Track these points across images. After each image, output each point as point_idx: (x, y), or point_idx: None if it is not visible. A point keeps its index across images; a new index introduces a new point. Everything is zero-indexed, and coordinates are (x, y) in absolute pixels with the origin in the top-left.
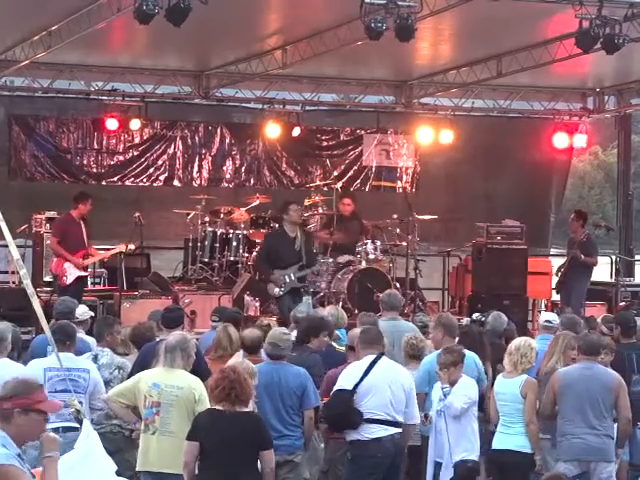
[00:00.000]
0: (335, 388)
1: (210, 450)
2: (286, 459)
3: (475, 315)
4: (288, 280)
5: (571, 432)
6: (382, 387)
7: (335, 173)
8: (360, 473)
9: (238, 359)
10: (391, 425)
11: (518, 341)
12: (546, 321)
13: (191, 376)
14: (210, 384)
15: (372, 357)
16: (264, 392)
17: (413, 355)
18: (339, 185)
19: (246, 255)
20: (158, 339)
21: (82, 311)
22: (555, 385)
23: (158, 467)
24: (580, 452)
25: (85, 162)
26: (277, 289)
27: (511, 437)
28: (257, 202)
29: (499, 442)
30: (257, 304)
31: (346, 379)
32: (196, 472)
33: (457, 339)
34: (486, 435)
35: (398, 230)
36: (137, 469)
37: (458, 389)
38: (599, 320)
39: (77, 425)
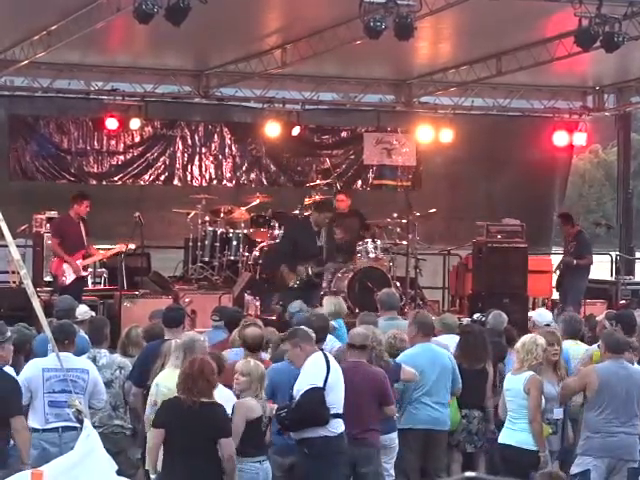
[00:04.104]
0: (307, 387)
1: (171, 438)
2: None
3: (476, 315)
4: (305, 275)
5: (608, 430)
6: (339, 382)
7: (335, 172)
8: (326, 468)
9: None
10: (343, 419)
11: (524, 338)
12: (546, 325)
13: None
14: (179, 375)
15: (320, 353)
16: (278, 392)
17: (392, 354)
18: (338, 184)
19: (246, 254)
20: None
21: (83, 311)
22: (591, 382)
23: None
24: (614, 450)
25: (85, 162)
26: (292, 281)
27: (514, 433)
28: (257, 201)
29: (503, 437)
30: (257, 303)
31: (315, 376)
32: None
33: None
34: (487, 434)
35: (398, 229)
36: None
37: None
38: (602, 317)
39: (77, 425)
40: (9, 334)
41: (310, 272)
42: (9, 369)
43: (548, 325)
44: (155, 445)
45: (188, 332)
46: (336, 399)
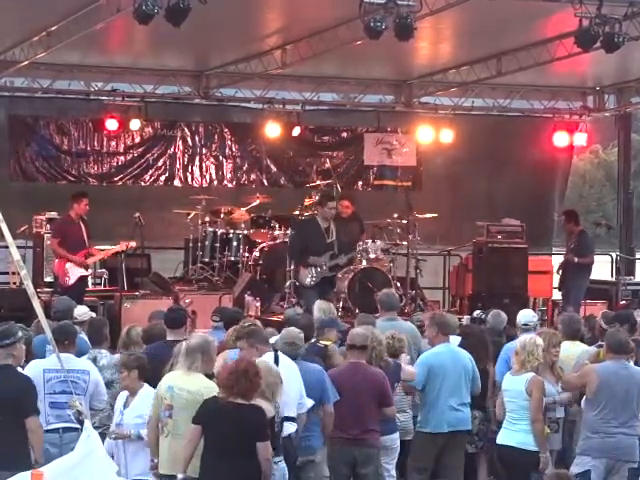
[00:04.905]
0: None
1: (209, 436)
2: (307, 459)
3: (476, 312)
4: (320, 269)
5: (606, 431)
6: (289, 384)
7: (336, 172)
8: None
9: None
10: (294, 421)
11: (524, 339)
12: (524, 324)
13: (205, 381)
14: (222, 372)
15: (272, 354)
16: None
17: (391, 355)
18: (338, 184)
19: (246, 255)
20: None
21: (82, 312)
22: (591, 381)
23: (170, 470)
24: (612, 450)
25: (85, 162)
26: (309, 278)
27: (514, 434)
28: (257, 202)
29: (502, 438)
30: (258, 304)
31: None
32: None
33: (459, 337)
34: (488, 435)
35: (399, 230)
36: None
37: (135, 403)
38: (599, 317)
39: (78, 426)
40: (20, 334)
41: (325, 267)
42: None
43: (526, 325)
44: (189, 441)
45: (199, 333)
46: (284, 402)
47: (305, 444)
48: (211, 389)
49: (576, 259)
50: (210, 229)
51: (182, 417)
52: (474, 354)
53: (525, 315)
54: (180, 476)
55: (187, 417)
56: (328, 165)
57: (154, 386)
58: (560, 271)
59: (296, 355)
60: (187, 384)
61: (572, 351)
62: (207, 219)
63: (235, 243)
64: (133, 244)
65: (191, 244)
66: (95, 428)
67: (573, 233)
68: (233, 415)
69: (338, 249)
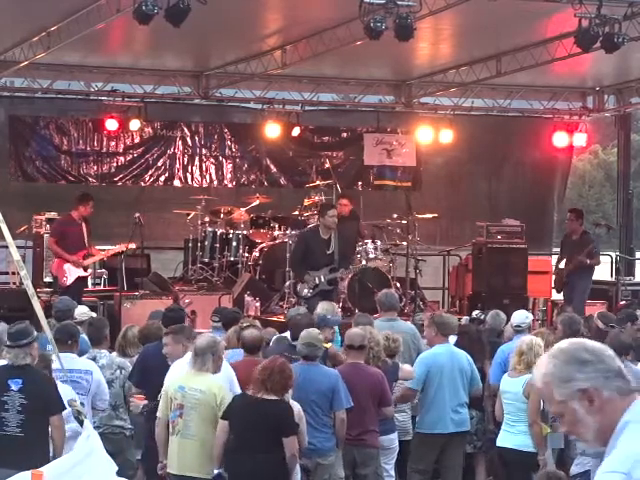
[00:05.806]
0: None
1: (236, 431)
2: (318, 462)
3: (475, 312)
4: (318, 282)
5: None
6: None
7: (335, 173)
8: None
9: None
10: None
11: (529, 340)
12: (516, 326)
13: (216, 380)
14: (257, 369)
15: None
16: (295, 393)
17: (388, 355)
18: (338, 185)
19: (246, 255)
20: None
21: (82, 312)
22: None
23: (179, 470)
24: None
25: (85, 163)
26: (306, 290)
27: (513, 436)
28: (257, 202)
29: (502, 440)
30: (257, 304)
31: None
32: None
33: (455, 337)
34: (486, 435)
35: (399, 230)
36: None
37: None
38: (595, 316)
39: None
40: (36, 333)
41: (323, 279)
42: None
43: (519, 327)
44: (219, 436)
45: (206, 334)
46: None
47: (315, 447)
48: (223, 389)
49: (588, 261)
50: (210, 229)
51: (192, 417)
52: (470, 353)
53: (518, 316)
54: (216, 471)
55: (197, 417)
56: (328, 165)
57: (154, 386)
58: (558, 271)
59: (315, 356)
60: (199, 384)
61: None
62: (207, 219)
63: (235, 243)
64: (133, 246)
65: (191, 244)
66: (95, 428)
67: (575, 232)
68: (259, 409)
69: (338, 261)
